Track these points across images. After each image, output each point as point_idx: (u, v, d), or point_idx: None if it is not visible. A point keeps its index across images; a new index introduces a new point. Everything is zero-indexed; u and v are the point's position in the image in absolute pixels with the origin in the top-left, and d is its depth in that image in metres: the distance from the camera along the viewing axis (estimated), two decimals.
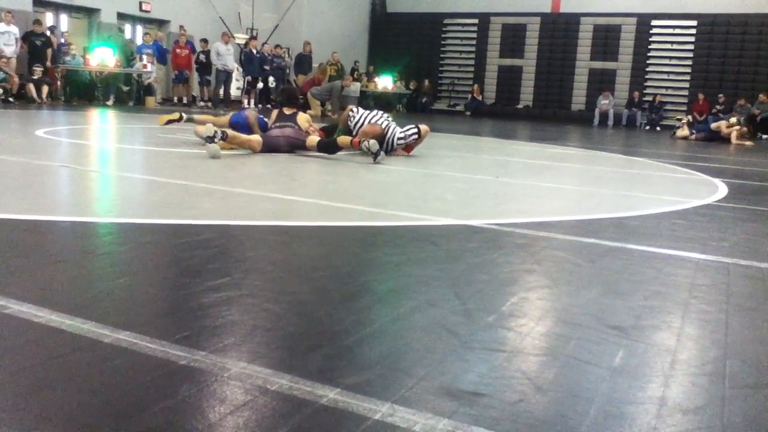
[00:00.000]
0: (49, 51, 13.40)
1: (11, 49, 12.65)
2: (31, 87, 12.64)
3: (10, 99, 12.19)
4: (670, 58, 19.33)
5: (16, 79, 12.55)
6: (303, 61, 17.55)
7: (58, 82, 13.84)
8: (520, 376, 1.46)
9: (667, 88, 19.29)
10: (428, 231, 3.04)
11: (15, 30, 12.73)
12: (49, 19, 14.65)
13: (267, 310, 1.79)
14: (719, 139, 12.92)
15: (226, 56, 15.17)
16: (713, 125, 13.48)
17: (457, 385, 1.39)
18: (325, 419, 1.21)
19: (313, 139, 6.06)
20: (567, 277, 2.34)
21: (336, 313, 1.81)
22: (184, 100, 15.92)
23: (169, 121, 6.25)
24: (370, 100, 20.13)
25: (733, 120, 13.47)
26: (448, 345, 1.61)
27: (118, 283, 1.99)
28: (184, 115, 6.16)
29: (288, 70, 17.74)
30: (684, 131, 13.49)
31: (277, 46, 17.08)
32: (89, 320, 1.61)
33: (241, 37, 16.43)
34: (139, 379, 1.33)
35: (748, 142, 12.72)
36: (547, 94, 20.59)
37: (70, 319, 1.61)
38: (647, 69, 19.55)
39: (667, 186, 5.47)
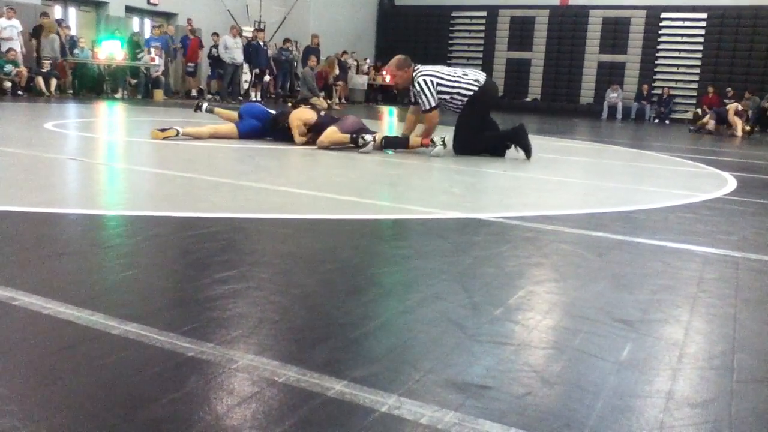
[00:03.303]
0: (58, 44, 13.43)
1: (15, 44, 12.70)
2: (40, 80, 12.69)
3: (19, 92, 12.25)
4: (680, 51, 19.23)
5: (25, 72, 12.60)
6: (310, 54, 17.59)
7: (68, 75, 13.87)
8: (527, 369, 1.46)
9: (676, 81, 19.20)
10: (435, 224, 3.04)
11: (17, 24, 12.78)
12: (57, 12, 14.69)
13: (274, 303, 1.80)
14: (728, 123, 13.01)
15: (234, 49, 15.16)
16: (728, 107, 13.52)
17: (463, 377, 1.39)
18: (332, 411, 1.21)
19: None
20: (574, 270, 2.34)
21: (343, 306, 1.81)
22: (193, 93, 15.95)
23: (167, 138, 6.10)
24: (378, 93, 20.08)
25: (744, 107, 13.55)
26: (454, 338, 1.61)
27: (126, 275, 2.00)
28: (179, 130, 6.08)
29: (295, 63, 17.72)
30: (706, 120, 13.50)
31: (286, 40, 17.05)
32: (97, 312, 1.62)
33: (248, 30, 16.43)
34: (146, 370, 1.34)
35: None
36: (556, 87, 20.53)
37: (79, 311, 1.62)
38: (656, 62, 19.46)
39: (676, 179, 5.44)
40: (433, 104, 5.94)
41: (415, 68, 6.02)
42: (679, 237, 3.00)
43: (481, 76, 6.10)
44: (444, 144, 5.92)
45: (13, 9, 12.71)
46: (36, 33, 13.09)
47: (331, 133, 5.85)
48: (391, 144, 6.06)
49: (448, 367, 1.44)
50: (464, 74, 6.05)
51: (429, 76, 5.93)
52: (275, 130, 6.23)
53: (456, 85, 5.94)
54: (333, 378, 1.34)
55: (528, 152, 5.95)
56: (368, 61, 20.14)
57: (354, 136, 5.81)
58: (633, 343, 1.65)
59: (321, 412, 1.21)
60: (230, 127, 6.27)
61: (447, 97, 5.98)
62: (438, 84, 5.90)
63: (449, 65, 23.71)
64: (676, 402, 1.35)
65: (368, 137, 5.75)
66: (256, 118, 6.32)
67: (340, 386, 1.31)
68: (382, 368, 1.41)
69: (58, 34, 13.40)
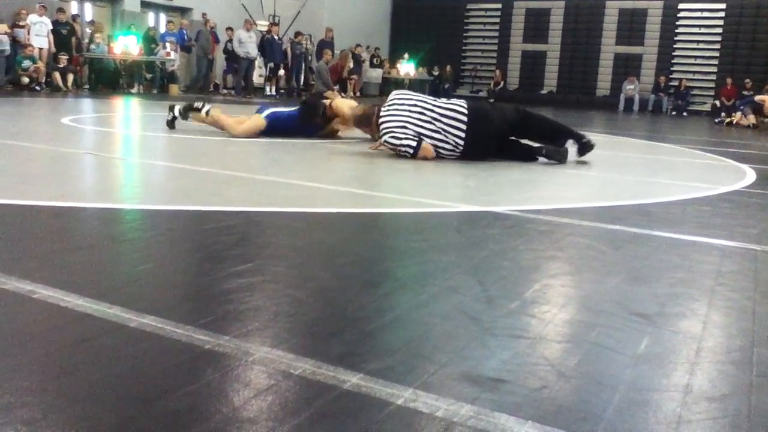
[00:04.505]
0: (74, 39, 13.54)
1: (44, 40, 12.83)
2: (57, 75, 12.80)
3: (37, 87, 12.36)
4: (698, 42, 19.01)
5: (43, 68, 12.71)
6: (325, 48, 17.60)
7: (85, 69, 13.98)
8: (544, 363, 1.45)
9: (694, 72, 18.97)
10: (450, 218, 3.03)
11: (47, 21, 12.91)
12: (73, 7, 14.78)
13: (289, 296, 1.80)
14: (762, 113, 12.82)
15: (248, 44, 15.19)
16: (757, 98, 13.28)
17: (479, 371, 1.39)
18: (348, 403, 1.22)
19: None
20: (591, 263, 2.32)
21: (358, 300, 1.81)
22: (210, 87, 16.02)
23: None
24: (392, 86, 19.99)
25: None
26: (470, 331, 1.61)
27: (143, 268, 2.01)
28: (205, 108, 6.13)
29: (309, 58, 17.71)
30: (739, 118, 13.27)
31: (297, 33, 17.04)
32: (115, 305, 1.63)
33: (263, 24, 16.45)
34: (163, 362, 1.35)
35: None
36: (572, 79, 20.38)
37: (96, 304, 1.63)
38: (674, 53, 19.25)
39: (693, 172, 5.39)
40: (414, 144, 4.93)
41: (378, 112, 5.14)
42: (697, 230, 2.97)
43: (458, 134, 4.98)
44: None
45: (44, 6, 12.84)
46: (52, 29, 13.18)
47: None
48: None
49: (464, 361, 1.44)
50: (443, 129, 4.96)
51: (392, 129, 4.97)
52: (307, 120, 6.06)
53: (433, 140, 5.00)
54: (348, 371, 1.34)
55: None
56: (407, 56, 19.56)
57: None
58: (650, 337, 1.64)
59: (336, 404, 1.21)
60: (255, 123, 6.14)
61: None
62: (406, 133, 4.95)
63: (464, 57, 22.99)
64: (694, 396, 1.33)
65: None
66: (285, 122, 6.15)
67: (356, 379, 1.31)
68: (398, 361, 1.41)
69: (74, 29, 13.52)
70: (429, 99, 5.19)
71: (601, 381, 1.38)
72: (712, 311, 1.87)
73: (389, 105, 5.15)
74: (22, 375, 1.27)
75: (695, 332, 1.70)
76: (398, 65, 19.16)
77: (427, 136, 4.99)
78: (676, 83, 18.59)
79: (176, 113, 6.10)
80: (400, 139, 4.97)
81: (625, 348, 1.56)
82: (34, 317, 1.56)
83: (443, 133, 4.99)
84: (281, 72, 16.51)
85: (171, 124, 6.15)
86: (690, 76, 18.74)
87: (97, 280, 1.88)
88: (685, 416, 1.25)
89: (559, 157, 5.24)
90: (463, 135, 4.99)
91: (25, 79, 12.25)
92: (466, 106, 5.09)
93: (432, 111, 5.03)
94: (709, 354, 1.56)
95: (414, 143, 4.96)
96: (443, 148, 5.06)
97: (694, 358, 1.52)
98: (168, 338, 1.46)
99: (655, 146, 7.73)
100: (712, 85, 18.58)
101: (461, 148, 5.04)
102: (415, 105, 5.07)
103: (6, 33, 12.29)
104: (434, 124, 4.99)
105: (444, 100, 5.22)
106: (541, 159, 5.35)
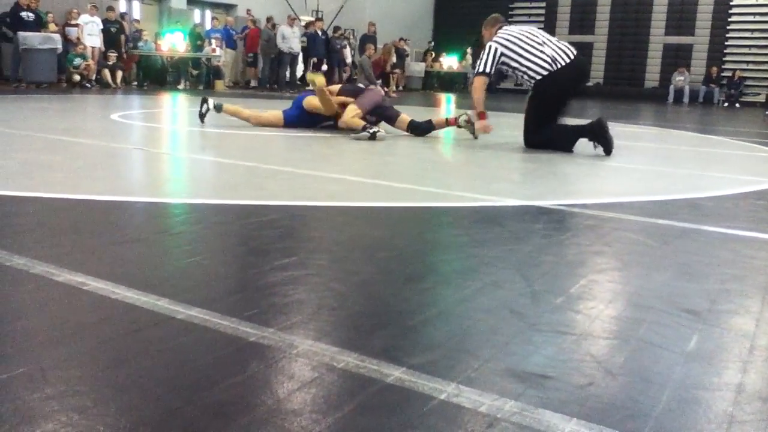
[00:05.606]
0: (122, 37, 13.85)
1: (96, 39, 13.16)
2: (107, 72, 13.11)
3: (87, 84, 12.68)
4: (752, 30, 18.39)
5: (93, 66, 13.04)
6: (367, 42, 17.58)
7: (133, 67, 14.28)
8: (589, 360, 1.43)
9: (747, 62, 18.38)
10: (493, 212, 3.01)
11: (98, 21, 13.23)
12: (122, 5, 15.12)
13: (333, 290, 1.81)
14: None
15: (291, 39, 15.30)
16: None
17: (523, 367, 1.37)
18: (391, 397, 1.22)
19: (405, 118, 6.21)
20: (638, 259, 2.27)
21: (400, 294, 1.81)
22: (252, 83, 16.20)
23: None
24: (435, 80, 19.91)
25: None
26: (514, 327, 1.59)
27: (190, 261, 2.05)
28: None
29: (353, 52, 17.75)
30: None
31: (336, 28, 17.09)
32: (163, 297, 1.66)
33: (306, 20, 16.55)
34: (210, 354, 1.37)
35: None
36: (619, 70, 19.97)
37: (145, 296, 1.67)
38: (726, 43, 18.67)
39: (746, 165, 5.23)
40: (483, 70, 5.49)
41: (502, 28, 5.62)
42: (750, 225, 2.89)
43: (562, 57, 5.41)
44: (467, 124, 5.95)
45: (96, 6, 13.19)
46: (102, 27, 13.50)
47: (351, 111, 5.94)
48: (416, 129, 6.05)
49: (508, 356, 1.42)
50: (542, 52, 5.40)
51: (500, 44, 5.46)
52: (312, 115, 6.22)
53: (525, 63, 5.41)
54: (391, 365, 1.34)
55: (608, 147, 5.23)
56: (469, 50, 19.36)
57: (364, 126, 5.67)
58: (700, 334, 1.60)
59: (380, 398, 1.21)
60: (276, 115, 6.32)
61: (511, 71, 5.57)
62: (503, 55, 5.44)
63: None
64: (747, 395, 1.29)
65: (369, 130, 5.59)
66: (297, 107, 6.31)
67: (399, 373, 1.31)
68: (441, 356, 1.41)
69: (122, 27, 13.83)
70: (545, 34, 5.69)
71: (648, 378, 1.35)
72: (766, 308, 1.81)
73: (509, 29, 5.59)
74: (73, 364, 1.30)
75: (748, 330, 1.65)
76: (441, 59, 19.07)
77: (521, 56, 5.42)
78: (728, 74, 18.04)
79: (210, 106, 6.33)
80: (489, 57, 5.45)
81: (674, 345, 1.52)
82: (85, 308, 1.61)
83: (533, 61, 5.40)
84: (324, 67, 16.59)
85: (202, 117, 6.42)
86: (744, 66, 18.17)
87: (145, 272, 1.92)
88: (738, 416, 1.21)
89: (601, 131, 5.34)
90: (550, 69, 5.36)
91: (76, 77, 12.58)
92: (575, 51, 5.58)
93: (546, 39, 5.54)
94: (763, 352, 1.51)
95: (485, 72, 5.46)
96: (527, 74, 5.42)
97: (746, 357, 1.48)
98: (214, 330, 1.48)
99: (706, 138, 7.52)
100: (767, 75, 17.97)
101: (552, 70, 5.35)
102: (532, 32, 5.60)
103: (55, 32, 12.63)
104: (542, 46, 5.45)
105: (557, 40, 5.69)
106: (580, 151, 5.30)
